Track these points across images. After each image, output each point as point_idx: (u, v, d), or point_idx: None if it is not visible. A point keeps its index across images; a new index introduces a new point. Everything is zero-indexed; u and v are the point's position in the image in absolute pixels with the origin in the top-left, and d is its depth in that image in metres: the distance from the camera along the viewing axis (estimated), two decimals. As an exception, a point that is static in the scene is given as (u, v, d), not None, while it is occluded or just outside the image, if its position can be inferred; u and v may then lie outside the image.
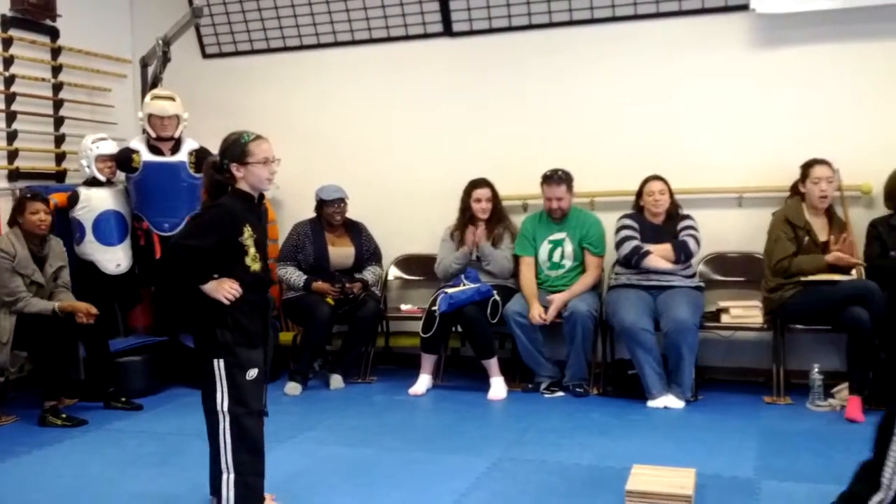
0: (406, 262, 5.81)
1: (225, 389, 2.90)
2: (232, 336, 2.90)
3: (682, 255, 4.80)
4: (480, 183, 5.27)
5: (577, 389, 4.84)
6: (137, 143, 5.19)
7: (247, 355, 2.93)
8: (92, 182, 5.16)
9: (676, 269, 4.81)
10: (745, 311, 4.79)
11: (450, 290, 4.97)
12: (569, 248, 5.08)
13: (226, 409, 2.91)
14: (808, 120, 4.99)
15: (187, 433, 4.18)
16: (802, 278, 4.51)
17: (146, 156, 5.12)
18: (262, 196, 3.05)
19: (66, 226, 5.08)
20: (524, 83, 5.53)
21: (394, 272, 5.81)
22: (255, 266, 2.95)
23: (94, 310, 4.56)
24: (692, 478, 3.17)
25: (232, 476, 2.92)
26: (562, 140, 5.40)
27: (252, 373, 2.93)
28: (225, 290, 2.87)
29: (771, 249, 4.67)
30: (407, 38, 5.75)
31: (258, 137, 2.98)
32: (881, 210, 4.72)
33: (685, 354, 4.51)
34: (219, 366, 2.90)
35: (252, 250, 2.94)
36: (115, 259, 5.14)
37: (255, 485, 2.97)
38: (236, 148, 2.94)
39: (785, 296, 4.56)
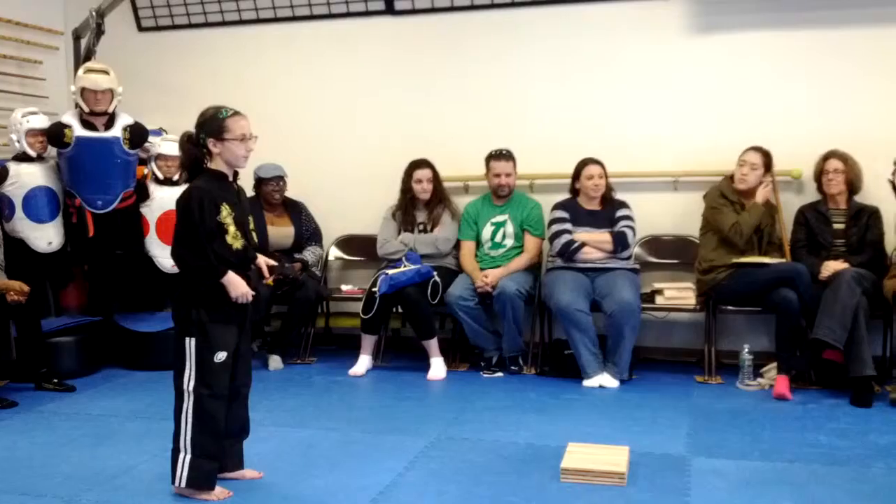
0: (347, 243, 5.79)
1: (193, 369, 2.92)
2: (207, 314, 2.91)
3: (620, 246, 4.87)
4: (421, 163, 5.27)
5: (513, 367, 4.92)
6: (70, 118, 5.03)
7: (220, 335, 2.94)
8: (22, 157, 5.00)
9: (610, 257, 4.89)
10: (678, 293, 4.90)
11: (390, 272, 4.97)
12: (510, 228, 5.13)
13: (191, 388, 2.93)
14: (741, 106, 5.09)
15: (121, 415, 4.12)
16: (735, 259, 4.62)
17: (79, 131, 4.98)
18: (235, 174, 3.03)
19: (-6, 202, 4.94)
20: (465, 63, 5.52)
21: (334, 252, 5.78)
22: (237, 244, 2.96)
23: (26, 287, 4.44)
24: (625, 455, 3.25)
25: (188, 457, 2.94)
26: (502, 121, 5.42)
27: (220, 356, 2.94)
28: (243, 293, 2.93)
29: (715, 219, 4.71)
30: (348, 14, 5.70)
31: (236, 113, 2.96)
32: (811, 195, 4.86)
33: (627, 335, 4.58)
34: (190, 345, 2.93)
35: (232, 228, 2.94)
36: (46, 237, 5.00)
37: (208, 468, 2.98)
38: (214, 123, 2.92)
39: (717, 278, 4.67)
